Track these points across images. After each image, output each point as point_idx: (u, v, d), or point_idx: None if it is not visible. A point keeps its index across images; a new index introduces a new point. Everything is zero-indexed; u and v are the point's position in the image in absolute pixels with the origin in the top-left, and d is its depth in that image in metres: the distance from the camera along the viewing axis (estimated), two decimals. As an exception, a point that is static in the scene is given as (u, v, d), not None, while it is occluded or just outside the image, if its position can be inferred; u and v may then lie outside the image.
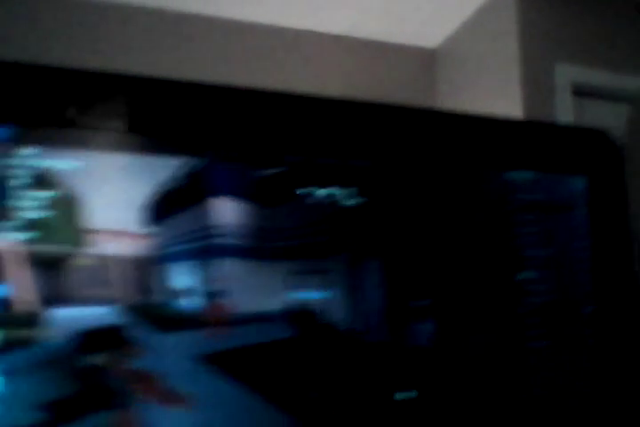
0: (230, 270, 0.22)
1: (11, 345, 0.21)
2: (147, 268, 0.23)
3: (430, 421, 0.24)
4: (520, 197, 0.27)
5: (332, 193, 0.25)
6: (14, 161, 0.22)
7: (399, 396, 0.24)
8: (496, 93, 2.78)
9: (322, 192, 0.24)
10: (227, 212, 0.24)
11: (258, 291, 0.23)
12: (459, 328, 0.26)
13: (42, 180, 0.22)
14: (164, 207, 0.23)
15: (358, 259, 0.24)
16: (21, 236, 0.20)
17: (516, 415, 0.28)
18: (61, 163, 0.22)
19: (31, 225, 0.21)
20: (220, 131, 0.25)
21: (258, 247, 0.24)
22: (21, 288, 0.20)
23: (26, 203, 0.21)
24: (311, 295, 0.23)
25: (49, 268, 0.21)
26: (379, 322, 0.24)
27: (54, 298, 0.21)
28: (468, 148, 0.27)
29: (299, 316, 0.23)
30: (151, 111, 0.27)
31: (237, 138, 0.24)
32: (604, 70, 2.74)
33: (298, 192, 0.25)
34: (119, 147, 0.24)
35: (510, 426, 0.28)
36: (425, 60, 3.22)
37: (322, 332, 0.23)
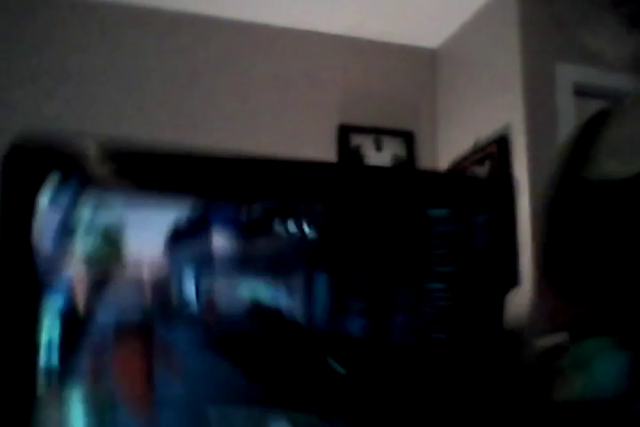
0: (219, 281, 0.37)
1: None
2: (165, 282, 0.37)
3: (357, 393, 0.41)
4: (438, 227, 0.43)
5: (296, 227, 0.39)
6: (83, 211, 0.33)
7: (334, 368, 0.39)
8: (497, 93, 2.77)
9: (288, 227, 0.39)
10: (219, 242, 0.38)
11: (237, 294, 0.37)
12: (383, 322, 0.41)
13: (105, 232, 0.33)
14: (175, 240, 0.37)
15: (312, 273, 0.39)
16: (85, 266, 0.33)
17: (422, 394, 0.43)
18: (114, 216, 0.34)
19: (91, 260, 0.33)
20: (210, 186, 0.40)
21: (240, 265, 0.39)
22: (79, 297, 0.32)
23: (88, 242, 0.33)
24: (278, 297, 0.39)
25: (99, 284, 0.34)
26: (323, 317, 0.39)
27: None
28: (399, 194, 0.43)
29: (266, 312, 0.38)
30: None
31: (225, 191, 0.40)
32: (604, 70, 2.74)
33: (273, 227, 0.40)
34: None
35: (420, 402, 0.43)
36: (425, 61, 3.22)
37: (282, 323, 0.38)
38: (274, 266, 0.38)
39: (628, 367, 0.51)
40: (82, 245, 0.32)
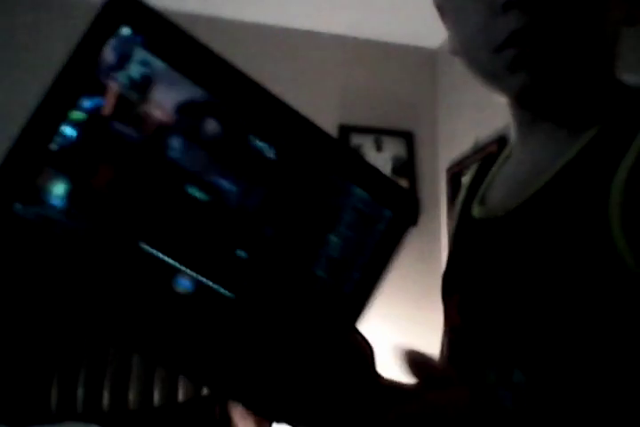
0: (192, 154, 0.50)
1: None
2: None
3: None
4: (355, 204, 0.52)
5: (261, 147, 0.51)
6: None
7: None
8: (497, 93, 2.77)
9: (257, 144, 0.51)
10: (208, 126, 0.49)
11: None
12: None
13: None
14: None
15: (254, 186, 0.50)
16: None
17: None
18: None
19: None
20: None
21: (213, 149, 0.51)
22: None
23: None
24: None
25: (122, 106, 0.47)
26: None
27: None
28: (340, 164, 0.52)
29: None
30: None
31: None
32: (604, 70, 2.74)
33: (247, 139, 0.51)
34: None
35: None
36: (426, 61, 3.22)
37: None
38: (236, 167, 0.49)
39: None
40: (123, 79, 0.44)
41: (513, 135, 0.69)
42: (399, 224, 0.55)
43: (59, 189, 0.43)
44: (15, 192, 0.42)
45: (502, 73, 0.58)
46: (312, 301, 0.52)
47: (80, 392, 2.37)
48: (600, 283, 0.49)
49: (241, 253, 0.49)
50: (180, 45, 0.49)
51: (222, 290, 0.48)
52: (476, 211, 0.67)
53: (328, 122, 2.97)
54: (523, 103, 0.63)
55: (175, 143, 0.46)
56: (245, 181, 0.49)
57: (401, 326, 2.65)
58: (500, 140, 2.69)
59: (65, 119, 0.42)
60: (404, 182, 3.08)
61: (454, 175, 2.95)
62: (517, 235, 0.57)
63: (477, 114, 2.85)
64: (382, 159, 3.09)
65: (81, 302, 0.45)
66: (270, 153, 0.50)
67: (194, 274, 0.48)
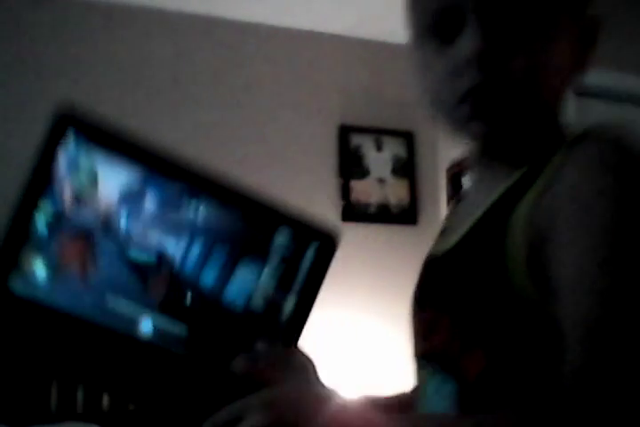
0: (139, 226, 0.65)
1: None
2: None
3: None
4: (281, 243, 0.65)
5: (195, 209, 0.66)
6: None
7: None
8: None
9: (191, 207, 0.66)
10: (149, 203, 0.66)
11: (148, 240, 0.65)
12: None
13: None
14: None
15: (192, 241, 0.66)
16: None
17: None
18: None
19: None
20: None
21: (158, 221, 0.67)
22: None
23: None
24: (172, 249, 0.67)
25: (77, 200, 0.64)
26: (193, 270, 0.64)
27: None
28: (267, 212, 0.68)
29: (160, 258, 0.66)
30: None
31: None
32: (604, 70, 2.73)
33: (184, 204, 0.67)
34: None
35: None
36: (425, 60, 3.21)
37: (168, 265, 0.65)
38: (177, 229, 0.63)
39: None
40: (74, 178, 0.59)
41: (470, 175, 0.78)
42: (324, 253, 0.68)
43: (40, 269, 0.60)
44: (6, 272, 0.59)
45: (463, 121, 0.68)
46: (248, 334, 0.66)
47: (80, 392, 2.37)
48: (503, 311, 0.63)
49: (188, 298, 0.64)
50: (116, 139, 0.63)
51: (176, 328, 0.63)
52: (432, 247, 0.79)
53: (328, 122, 2.98)
54: (479, 146, 0.73)
55: (123, 218, 0.61)
56: (185, 242, 0.63)
57: (401, 325, 2.65)
58: (500, 140, 2.69)
59: (32, 218, 0.59)
60: (404, 182, 3.08)
61: (454, 175, 2.95)
62: (449, 274, 0.70)
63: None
64: (382, 159, 3.09)
65: (60, 352, 0.64)
66: (201, 216, 0.64)
67: (153, 316, 0.62)
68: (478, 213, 0.68)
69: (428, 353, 0.73)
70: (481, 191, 0.73)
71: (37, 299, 0.58)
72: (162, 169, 0.63)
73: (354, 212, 2.96)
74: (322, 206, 3.00)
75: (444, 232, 0.79)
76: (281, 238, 0.66)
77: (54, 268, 0.59)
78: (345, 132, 3.03)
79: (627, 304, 0.54)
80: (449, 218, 0.83)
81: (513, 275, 0.61)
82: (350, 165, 3.04)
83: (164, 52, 2.93)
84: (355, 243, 2.97)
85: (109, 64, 2.85)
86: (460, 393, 0.65)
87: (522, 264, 0.61)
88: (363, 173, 3.05)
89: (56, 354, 0.61)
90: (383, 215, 3.04)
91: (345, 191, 2.99)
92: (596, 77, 2.74)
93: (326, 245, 0.68)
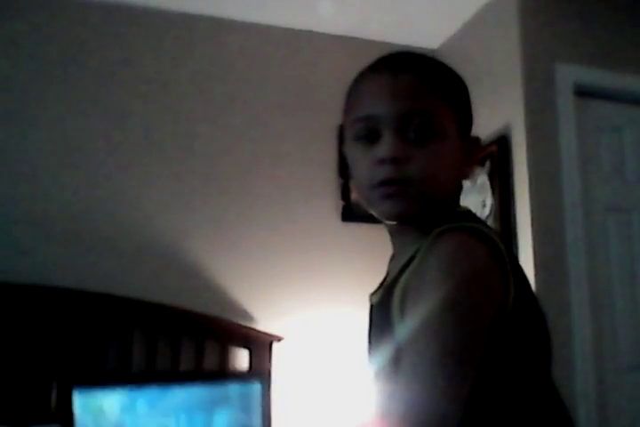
0: None
1: None
2: None
3: None
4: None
5: None
6: None
7: None
8: (497, 94, 2.77)
9: None
10: None
11: None
12: None
13: None
14: None
15: None
16: None
17: None
18: None
19: None
20: None
21: None
22: None
23: None
24: None
25: None
26: None
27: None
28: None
29: None
30: None
31: None
32: (604, 70, 2.73)
33: None
34: None
35: None
36: (425, 61, 3.21)
37: None
38: None
39: None
40: (86, 419, 1.39)
41: (391, 241, 0.99)
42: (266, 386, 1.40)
43: None
44: None
45: (377, 201, 0.90)
46: None
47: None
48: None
49: None
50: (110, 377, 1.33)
51: None
52: (371, 295, 0.99)
53: (328, 122, 2.97)
54: (389, 221, 0.94)
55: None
56: (175, 417, 1.23)
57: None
58: (500, 140, 2.69)
59: None
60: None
61: (454, 175, 2.95)
62: (372, 318, 0.97)
63: (477, 114, 2.84)
64: (382, 159, 3.09)
65: None
66: (177, 399, 1.20)
67: None
68: (393, 275, 0.91)
69: None
70: (399, 248, 0.96)
71: None
72: (141, 383, 0.93)
73: (354, 212, 2.95)
74: (322, 206, 3.00)
75: (381, 284, 0.99)
76: (233, 387, 1.11)
77: None
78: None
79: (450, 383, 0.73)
80: (388, 266, 1.01)
81: (394, 325, 0.84)
82: (350, 165, 3.04)
83: (163, 52, 2.93)
84: (355, 243, 2.97)
85: (109, 64, 2.84)
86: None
87: (397, 317, 0.83)
88: (363, 173, 3.05)
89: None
90: (383, 215, 3.03)
91: (345, 191, 2.99)
92: (596, 77, 2.74)
93: (264, 379, 1.14)
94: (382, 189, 0.88)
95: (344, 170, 3.03)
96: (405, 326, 0.79)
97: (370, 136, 0.90)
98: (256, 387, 2.48)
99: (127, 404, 0.92)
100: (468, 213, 0.93)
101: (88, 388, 0.94)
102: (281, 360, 2.68)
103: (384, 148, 0.87)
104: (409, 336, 0.77)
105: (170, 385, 0.98)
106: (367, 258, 2.84)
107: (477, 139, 1.00)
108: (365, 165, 0.89)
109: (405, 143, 0.87)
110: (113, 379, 1.02)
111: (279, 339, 2.68)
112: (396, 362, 0.80)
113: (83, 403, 0.90)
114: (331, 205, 3.00)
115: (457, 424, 0.72)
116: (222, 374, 2.55)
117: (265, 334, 2.69)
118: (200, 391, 1.01)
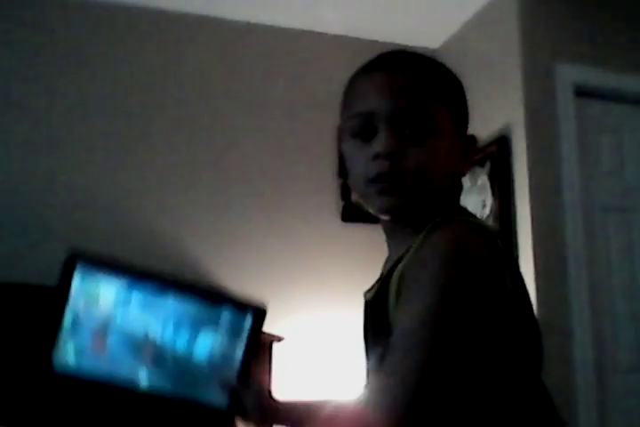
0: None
1: None
2: None
3: None
4: (226, 316, 1.06)
5: None
6: None
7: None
8: (497, 93, 2.77)
9: None
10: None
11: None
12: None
13: None
14: None
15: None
16: None
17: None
18: None
19: None
20: None
21: None
22: None
23: None
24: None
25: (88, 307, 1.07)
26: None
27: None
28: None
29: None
30: None
31: None
32: (604, 70, 2.73)
33: None
34: None
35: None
36: (425, 61, 3.21)
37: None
38: None
39: None
40: (85, 293, 1.00)
41: (385, 238, 1.00)
42: (257, 318, 1.04)
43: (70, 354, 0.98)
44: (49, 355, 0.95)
45: (373, 197, 0.91)
46: (213, 378, 1.03)
47: (80, 392, 2.36)
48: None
49: (169, 358, 1.01)
50: (110, 264, 1.00)
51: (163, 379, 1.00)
52: (366, 292, 1.01)
53: (328, 122, 2.97)
54: (384, 217, 0.95)
55: (119, 314, 0.99)
56: (162, 323, 1.00)
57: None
58: (500, 140, 2.69)
59: (61, 320, 1.00)
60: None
61: (454, 175, 2.95)
62: (368, 315, 1.00)
63: (477, 114, 2.84)
64: (382, 159, 3.09)
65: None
66: (171, 305, 1.01)
67: (147, 371, 1.00)
68: (387, 268, 0.93)
69: None
70: (394, 249, 0.96)
71: (72, 372, 0.98)
72: (141, 278, 1.00)
73: (354, 212, 2.95)
74: (322, 206, 3.00)
75: (375, 282, 0.99)
76: (225, 312, 1.02)
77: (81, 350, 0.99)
78: (345, 132, 3.03)
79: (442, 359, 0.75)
80: (382, 267, 1.02)
81: (390, 316, 0.85)
82: (350, 165, 3.04)
83: (163, 52, 2.93)
84: (355, 243, 2.97)
85: (109, 64, 2.84)
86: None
87: (393, 307, 0.85)
88: (363, 173, 3.05)
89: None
90: (383, 215, 3.03)
91: (345, 191, 2.99)
92: (596, 77, 2.74)
93: (258, 313, 1.04)
94: (378, 183, 0.89)
95: (343, 170, 3.03)
96: (400, 309, 0.81)
97: (366, 133, 0.91)
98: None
99: (122, 297, 0.96)
100: (465, 210, 0.95)
101: (90, 267, 0.99)
102: (281, 360, 2.68)
103: (379, 143, 0.88)
104: (403, 317, 0.78)
105: (168, 290, 1.02)
106: (367, 258, 2.84)
107: (473, 137, 1.01)
108: (361, 160, 0.91)
109: (400, 139, 0.88)
110: (117, 266, 1.03)
111: (279, 339, 2.68)
112: None
113: (81, 283, 0.98)
114: (331, 205, 3.00)
115: (427, 401, 0.73)
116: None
117: (265, 334, 2.69)
118: (194, 308, 1.03)
